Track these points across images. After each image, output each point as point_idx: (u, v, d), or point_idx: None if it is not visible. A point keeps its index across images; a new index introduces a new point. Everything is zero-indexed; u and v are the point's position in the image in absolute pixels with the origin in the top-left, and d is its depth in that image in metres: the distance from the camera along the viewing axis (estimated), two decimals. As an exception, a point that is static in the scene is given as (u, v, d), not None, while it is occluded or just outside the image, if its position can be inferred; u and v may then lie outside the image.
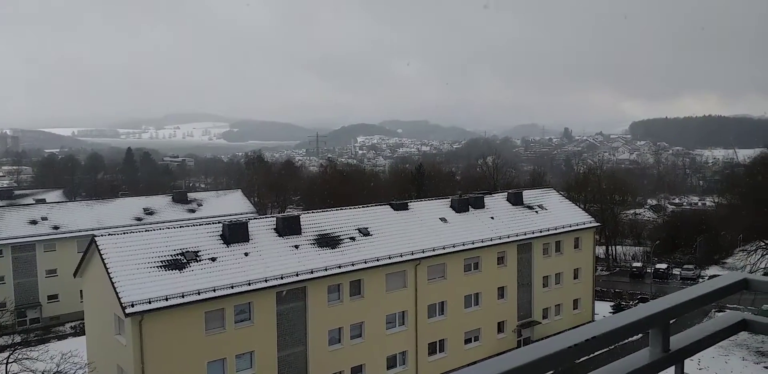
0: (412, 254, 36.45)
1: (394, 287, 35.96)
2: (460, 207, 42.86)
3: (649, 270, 64.86)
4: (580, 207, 56.78)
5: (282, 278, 30.86)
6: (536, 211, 46.77)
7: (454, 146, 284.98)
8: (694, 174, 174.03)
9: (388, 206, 40.72)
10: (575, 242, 47.52)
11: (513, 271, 42.86)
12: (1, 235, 52.64)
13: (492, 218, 43.49)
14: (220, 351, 29.02)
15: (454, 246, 38.63)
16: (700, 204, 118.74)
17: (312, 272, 32.00)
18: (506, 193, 48.35)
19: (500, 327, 42.22)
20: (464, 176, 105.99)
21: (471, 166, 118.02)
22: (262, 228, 33.81)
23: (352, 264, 33.73)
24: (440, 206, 42.84)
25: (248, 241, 32.37)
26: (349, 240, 35.49)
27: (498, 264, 41.90)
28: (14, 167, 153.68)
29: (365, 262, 34.29)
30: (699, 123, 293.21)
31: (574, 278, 47.51)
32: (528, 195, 48.44)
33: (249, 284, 29.70)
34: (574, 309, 47.34)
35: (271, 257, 31.94)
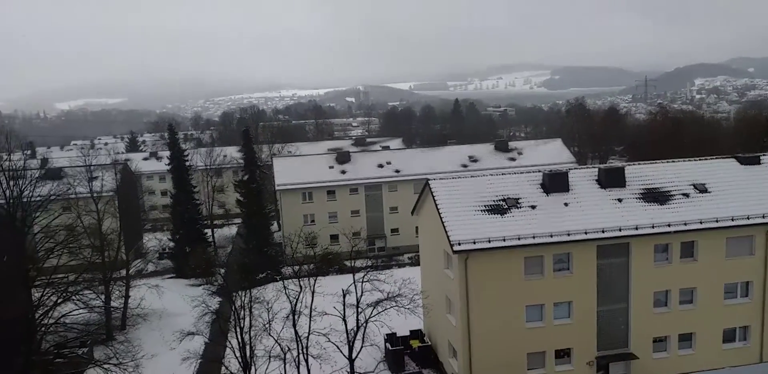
0: (763, 217, 31.18)
1: (737, 253, 31.52)
2: (837, 163, 34.49)
3: None
4: None
5: (603, 231, 29.90)
6: None
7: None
8: None
9: (733, 159, 35.28)
10: None
11: None
12: (357, 176, 63.83)
13: None
14: (538, 296, 30.02)
15: (824, 211, 31.56)
16: None
17: (636, 228, 30.16)
18: None
19: None
20: None
21: None
22: (582, 178, 33.02)
23: (685, 224, 30.59)
24: (808, 161, 35.16)
25: (568, 191, 32.06)
26: (681, 196, 32.14)
27: None
28: (365, 118, 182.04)
29: (700, 222, 30.74)
30: None
31: None
32: None
33: (568, 234, 29.62)
34: None
35: (592, 209, 31.10)
